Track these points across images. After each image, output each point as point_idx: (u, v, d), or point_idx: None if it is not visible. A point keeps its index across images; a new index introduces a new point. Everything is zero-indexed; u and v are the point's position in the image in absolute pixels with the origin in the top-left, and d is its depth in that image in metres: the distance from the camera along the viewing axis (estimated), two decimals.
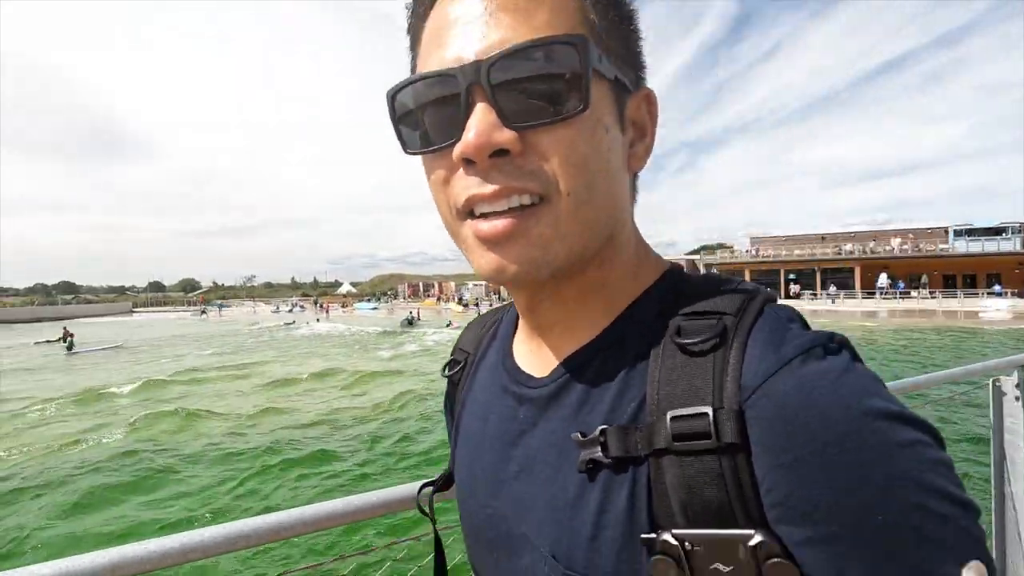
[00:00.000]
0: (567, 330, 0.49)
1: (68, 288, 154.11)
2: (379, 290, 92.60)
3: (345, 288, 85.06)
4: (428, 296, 66.00)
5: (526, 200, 0.41)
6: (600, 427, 0.42)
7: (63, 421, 11.76)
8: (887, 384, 1.51)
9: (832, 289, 39.95)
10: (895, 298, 36.44)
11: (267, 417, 11.25)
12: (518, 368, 0.52)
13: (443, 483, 0.64)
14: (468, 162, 0.41)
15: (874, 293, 37.62)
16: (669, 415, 0.38)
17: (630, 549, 0.38)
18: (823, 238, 47.17)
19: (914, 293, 36.79)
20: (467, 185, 0.41)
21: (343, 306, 61.76)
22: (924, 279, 38.38)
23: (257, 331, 38.48)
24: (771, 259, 45.11)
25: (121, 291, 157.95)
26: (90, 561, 0.70)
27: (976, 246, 37.86)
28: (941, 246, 40.06)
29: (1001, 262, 37.15)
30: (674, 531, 0.36)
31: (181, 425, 10.80)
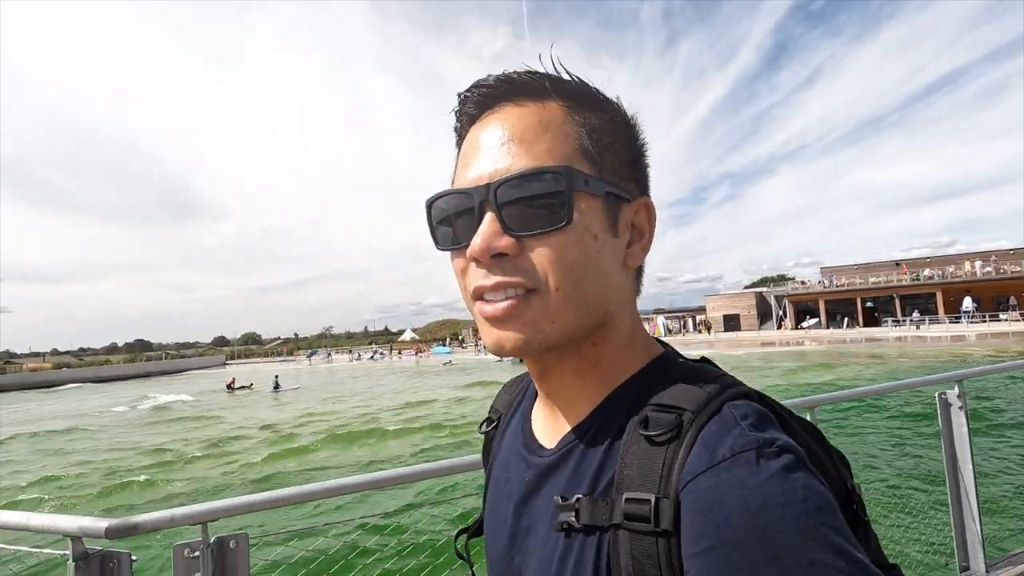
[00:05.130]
0: (568, 402, 0.57)
1: (144, 346, 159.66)
2: (437, 336, 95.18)
3: (408, 335, 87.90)
4: None
5: (520, 291, 0.50)
6: (576, 496, 0.49)
7: None
8: (843, 392, 2.80)
9: (916, 315, 39.77)
10: (983, 321, 36.06)
11: None
12: (532, 435, 0.61)
13: (476, 529, 0.71)
14: (476, 259, 0.51)
15: (959, 318, 37.25)
16: (624, 495, 0.45)
17: None
18: (897, 264, 47.02)
19: (1003, 316, 36.23)
20: (475, 277, 0.52)
21: (418, 351, 64.15)
22: (1012, 301, 37.83)
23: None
24: (845, 287, 45.20)
25: (187, 346, 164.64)
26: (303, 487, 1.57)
27: None
28: None
29: None
30: None
31: None
